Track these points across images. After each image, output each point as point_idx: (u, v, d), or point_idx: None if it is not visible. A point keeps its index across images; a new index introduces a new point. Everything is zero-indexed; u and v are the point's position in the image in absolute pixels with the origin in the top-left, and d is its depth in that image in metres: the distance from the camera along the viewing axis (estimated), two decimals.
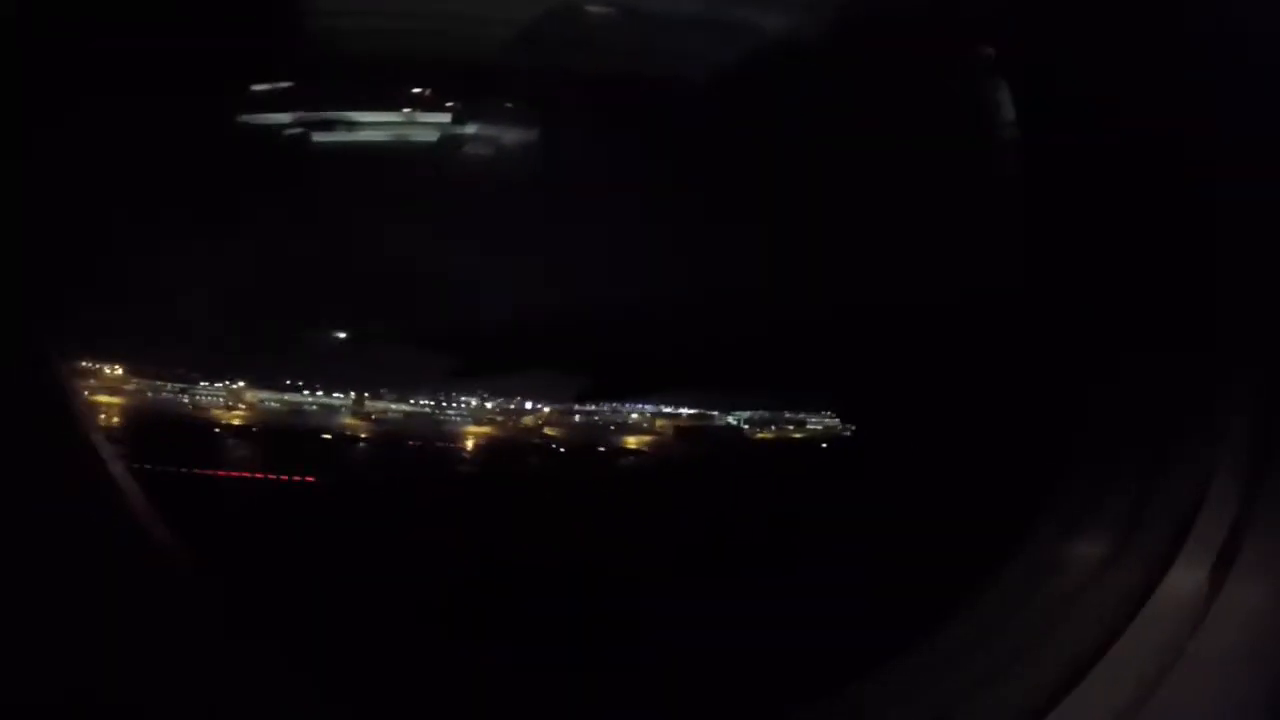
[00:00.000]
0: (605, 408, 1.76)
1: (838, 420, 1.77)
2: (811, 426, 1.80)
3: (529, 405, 1.74)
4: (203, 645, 0.98)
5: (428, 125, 1.63)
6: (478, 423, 1.73)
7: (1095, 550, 1.13)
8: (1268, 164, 1.00)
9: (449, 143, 1.64)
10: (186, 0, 1.27)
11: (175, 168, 1.36)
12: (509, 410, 1.74)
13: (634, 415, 1.78)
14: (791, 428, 1.80)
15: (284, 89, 1.58)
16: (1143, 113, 1.10)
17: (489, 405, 1.73)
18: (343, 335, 1.66)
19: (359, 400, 1.69)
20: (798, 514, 1.68)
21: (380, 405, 1.71)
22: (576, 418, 1.77)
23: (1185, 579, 1.04)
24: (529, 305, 1.57)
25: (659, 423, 1.77)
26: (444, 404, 1.72)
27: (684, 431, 1.80)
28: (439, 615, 1.38)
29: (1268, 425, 1.02)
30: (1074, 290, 1.25)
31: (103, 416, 1.56)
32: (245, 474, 1.67)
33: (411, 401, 1.71)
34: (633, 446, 1.76)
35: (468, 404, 1.74)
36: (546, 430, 1.76)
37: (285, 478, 1.65)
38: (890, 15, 1.57)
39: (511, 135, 1.64)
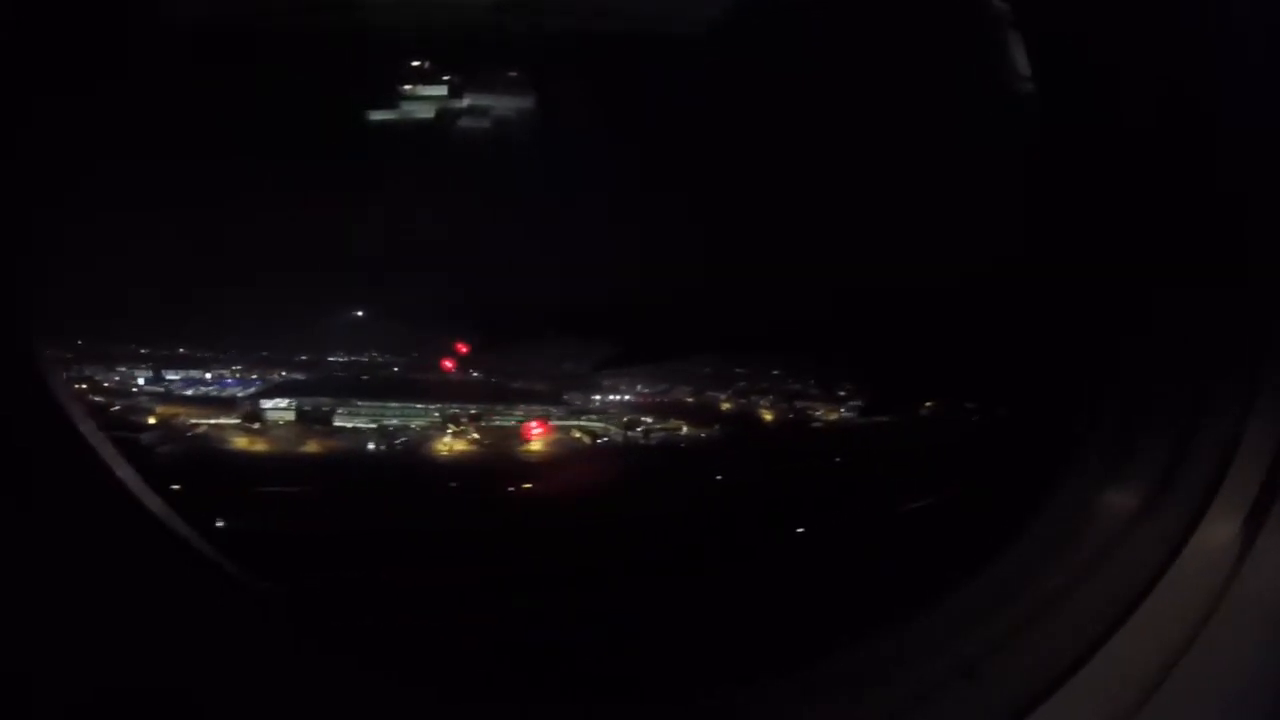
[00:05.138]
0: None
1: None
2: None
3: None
4: (202, 641, 0.98)
5: (426, 99, 1.62)
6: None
7: (1128, 502, 1.11)
8: None
9: (448, 115, 1.62)
10: None
11: (168, 160, 1.36)
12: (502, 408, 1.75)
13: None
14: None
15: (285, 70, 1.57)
16: (1164, 73, 1.07)
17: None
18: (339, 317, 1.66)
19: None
20: (828, 468, 1.67)
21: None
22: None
23: (1218, 531, 1.02)
24: (526, 279, 1.56)
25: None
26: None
27: None
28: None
29: None
30: (1105, 238, 1.21)
31: (104, 410, 1.57)
32: (244, 471, 1.68)
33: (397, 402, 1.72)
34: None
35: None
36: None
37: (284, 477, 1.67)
38: None
39: (508, 103, 1.61)
